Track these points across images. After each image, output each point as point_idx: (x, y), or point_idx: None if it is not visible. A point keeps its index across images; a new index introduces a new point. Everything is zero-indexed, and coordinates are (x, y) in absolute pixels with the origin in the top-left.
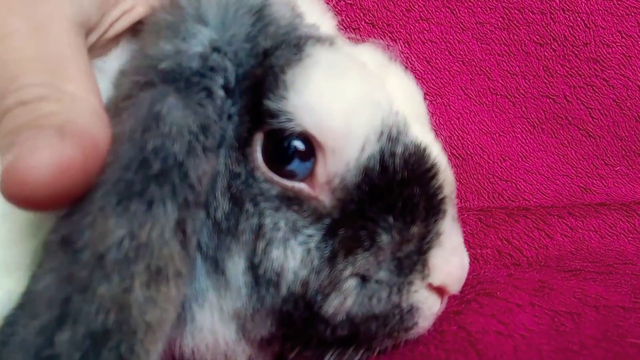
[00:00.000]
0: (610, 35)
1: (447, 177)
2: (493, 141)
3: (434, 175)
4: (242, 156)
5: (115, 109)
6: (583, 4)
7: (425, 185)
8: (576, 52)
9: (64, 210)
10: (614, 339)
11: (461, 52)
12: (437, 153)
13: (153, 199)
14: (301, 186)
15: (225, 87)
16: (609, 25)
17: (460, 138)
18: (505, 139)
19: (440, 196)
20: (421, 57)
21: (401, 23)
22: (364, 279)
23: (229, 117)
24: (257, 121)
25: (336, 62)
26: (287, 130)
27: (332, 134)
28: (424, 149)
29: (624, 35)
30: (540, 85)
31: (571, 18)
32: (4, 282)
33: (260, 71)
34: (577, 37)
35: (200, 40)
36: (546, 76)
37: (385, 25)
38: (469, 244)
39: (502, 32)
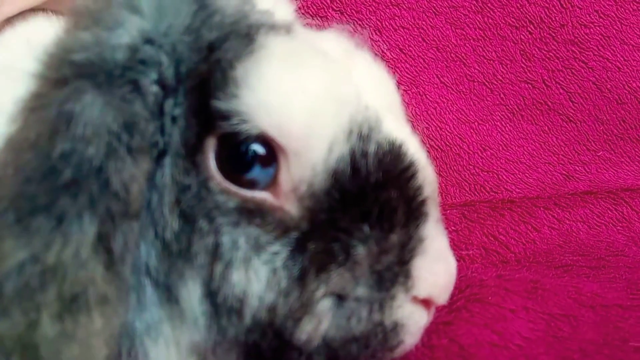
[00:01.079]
0: (587, 16)
1: (427, 176)
2: (472, 130)
3: (413, 175)
4: (192, 165)
5: (23, 112)
6: None
7: (404, 187)
8: (553, 35)
9: None
10: (616, 344)
11: (435, 38)
12: (414, 149)
13: (63, 213)
14: (263, 196)
15: (161, 84)
16: (586, 5)
17: (438, 129)
18: (485, 128)
19: (420, 198)
20: (393, 44)
21: (371, 9)
22: (340, 297)
23: (173, 119)
24: (206, 124)
25: (294, 52)
26: (242, 133)
27: (294, 135)
28: (400, 146)
29: (601, 15)
30: (518, 70)
31: None
32: None
33: (205, 67)
34: (553, 19)
35: (128, 29)
36: (523, 60)
37: (354, 12)
38: (453, 242)
39: (476, 15)
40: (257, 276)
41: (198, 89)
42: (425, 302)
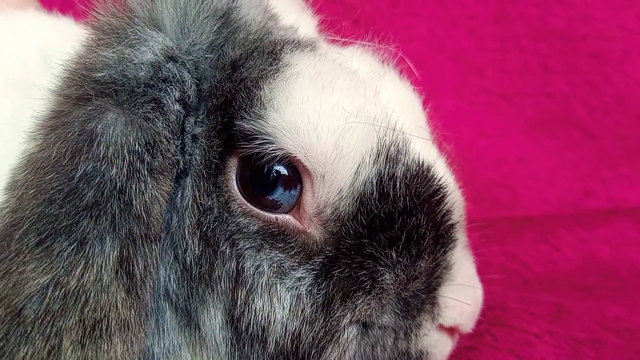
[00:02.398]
0: (608, 29)
1: (456, 200)
2: (489, 144)
3: (441, 199)
4: (214, 187)
5: (43, 130)
6: None
7: (432, 212)
8: (574, 47)
9: None
10: None
11: (452, 49)
12: (442, 171)
13: (86, 236)
14: (286, 219)
15: (183, 102)
16: (608, 18)
17: (453, 141)
18: (502, 142)
19: (449, 223)
20: (409, 55)
21: (387, 19)
22: (365, 325)
23: (194, 138)
24: (229, 145)
25: (321, 72)
26: (267, 154)
27: (321, 158)
28: (428, 168)
29: (622, 29)
30: (537, 83)
31: (568, 11)
32: None
33: (229, 86)
34: (574, 32)
35: (151, 47)
36: (543, 73)
37: (369, 22)
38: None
39: (495, 26)
40: (280, 303)
41: (221, 108)
42: (451, 330)
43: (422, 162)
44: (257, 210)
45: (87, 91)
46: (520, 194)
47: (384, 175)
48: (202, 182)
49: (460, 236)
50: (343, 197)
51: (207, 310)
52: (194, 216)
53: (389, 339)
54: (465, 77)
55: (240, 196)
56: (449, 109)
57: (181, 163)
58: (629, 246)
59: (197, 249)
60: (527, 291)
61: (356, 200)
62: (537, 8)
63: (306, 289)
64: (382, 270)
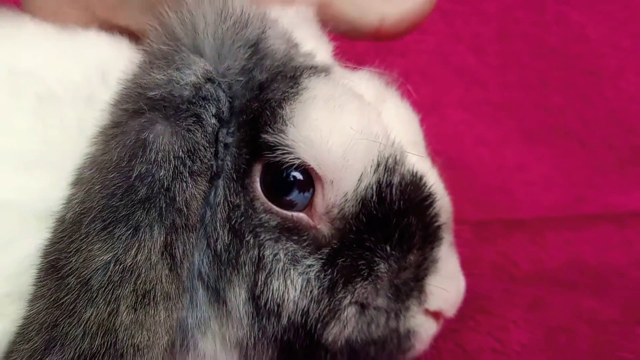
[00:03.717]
0: (603, 48)
1: (443, 205)
2: (489, 152)
3: (430, 204)
4: (241, 187)
5: (104, 136)
6: (576, 17)
7: (422, 214)
8: (571, 64)
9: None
10: (606, 354)
11: (457, 64)
12: (433, 180)
13: (139, 224)
14: (300, 216)
15: (218, 117)
16: (602, 37)
17: (456, 149)
18: (502, 150)
19: (436, 224)
20: (417, 68)
21: None
22: (362, 306)
23: (225, 146)
24: (255, 153)
25: (333, 96)
26: (286, 162)
27: (331, 167)
28: (420, 178)
29: (616, 48)
30: (536, 96)
31: (565, 31)
32: (9, 309)
33: (256, 105)
34: (571, 50)
35: (194, 70)
36: (541, 88)
37: None
38: (465, 258)
39: (497, 44)
40: (293, 285)
41: (249, 123)
42: (436, 315)
43: (416, 172)
44: (276, 208)
45: (142, 106)
46: (517, 198)
47: (382, 182)
48: (232, 184)
49: (447, 235)
50: (348, 200)
51: (233, 289)
52: (225, 211)
53: (382, 318)
54: (468, 90)
55: (262, 196)
56: (453, 118)
57: (214, 167)
58: (611, 248)
59: (226, 238)
60: (511, 285)
61: (359, 203)
62: (536, 28)
63: (314, 274)
64: (378, 260)
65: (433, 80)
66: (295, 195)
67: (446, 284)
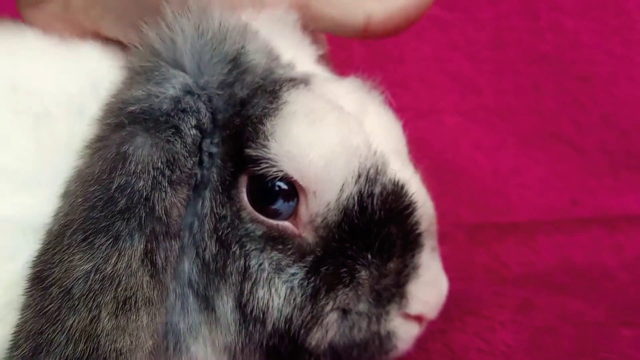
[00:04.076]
0: (596, 54)
1: (425, 212)
2: (485, 156)
3: (411, 212)
4: (227, 199)
5: (89, 150)
6: (570, 24)
7: (403, 223)
8: (564, 71)
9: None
10: (589, 354)
11: (453, 71)
12: (415, 189)
13: (119, 233)
14: (285, 225)
15: (199, 128)
16: (595, 44)
17: (453, 153)
18: (497, 154)
19: (417, 232)
20: (414, 75)
21: (394, 42)
22: (344, 311)
23: (210, 155)
24: (240, 166)
25: (313, 109)
26: (270, 175)
27: (313, 179)
28: (402, 187)
29: (609, 54)
30: (530, 102)
31: (559, 38)
32: (9, 317)
33: (238, 120)
34: (564, 56)
35: (173, 84)
36: (536, 93)
37: (377, 44)
38: (459, 260)
39: (492, 51)
40: (277, 293)
41: (233, 138)
42: (418, 318)
43: (397, 181)
44: (262, 218)
45: (123, 120)
46: (512, 201)
47: (364, 192)
48: (218, 195)
49: (429, 242)
50: (330, 209)
51: (221, 297)
52: (212, 222)
53: (364, 323)
54: (464, 96)
55: (249, 206)
56: (449, 123)
57: (198, 175)
58: (602, 251)
59: (214, 248)
60: (501, 287)
61: (341, 212)
62: (530, 35)
63: (298, 282)
64: (359, 268)
65: (430, 87)
66: (280, 205)
67: (426, 289)
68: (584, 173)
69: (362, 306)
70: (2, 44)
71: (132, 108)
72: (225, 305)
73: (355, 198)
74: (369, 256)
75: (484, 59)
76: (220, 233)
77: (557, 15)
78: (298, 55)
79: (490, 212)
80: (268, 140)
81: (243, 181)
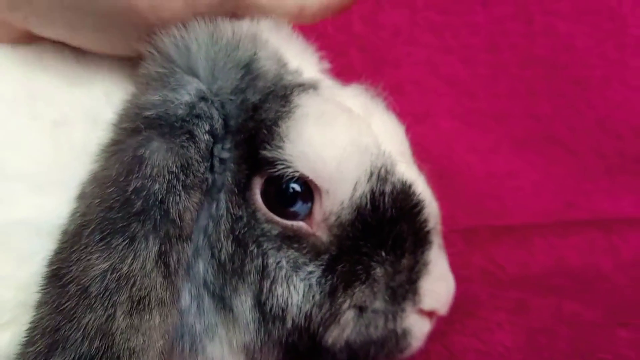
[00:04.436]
0: (590, 58)
1: (432, 211)
2: (480, 160)
3: (420, 211)
4: (243, 200)
5: (105, 154)
6: (564, 28)
7: (412, 221)
8: (558, 74)
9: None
10: (584, 355)
11: (447, 75)
12: (422, 188)
13: (135, 235)
14: (300, 224)
15: (212, 133)
16: (589, 48)
17: (448, 157)
18: (492, 158)
19: (426, 229)
20: (409, 79)
21: (389, 47)
22: (361, 309)
23: (221, 161)
24: (254, 168)
25: (324, 111)
26: (285, 176)
27: (327, 178)
28: (410, 186)
29: (603, 58)
30: (525, 105)
31: (553, 42)
32: (25, 317)
33: (252, 124)
34: (558, 60)
35: (188, 90)
36: (530, 97)
37: (374, 50)
38: (455, 263)
39: (487, 55)
40: (296, 290)
41: (247, 141)
42: (429, 313)
43: (406, 181)
44: (277, 218)
45: (139, 125)
46: (507, 204)
47: (375, 191)
48: (234, 197)
49: (436, 239)
50: (344, 208)
51: (239, 296)
52: (228, 223)
53: (380, 320)
54: (459, 100)
55: (264, 207)
56: (444, 127)
57: (209, 180)
58: (597, 253)
59: (230, 248)
60: (498, 289)
61: (354, 211)
62: (525, 39)
63: (316, 280)
64: (374, 265)
65: (425, 91)
66: (297, 206)
67: (438, 285)
68: (578, 176)
69: (379, 304)
70: (18, 56)
71: (148, 113)
72: (244, 304)
73: (368, 197)
74: (383, 253)
75: (479, 63)
76: (237, 233)
77: (551, 19)
78: (304, 63)
79: (485, 215)
80: (283, 142)
81: (257, 183)
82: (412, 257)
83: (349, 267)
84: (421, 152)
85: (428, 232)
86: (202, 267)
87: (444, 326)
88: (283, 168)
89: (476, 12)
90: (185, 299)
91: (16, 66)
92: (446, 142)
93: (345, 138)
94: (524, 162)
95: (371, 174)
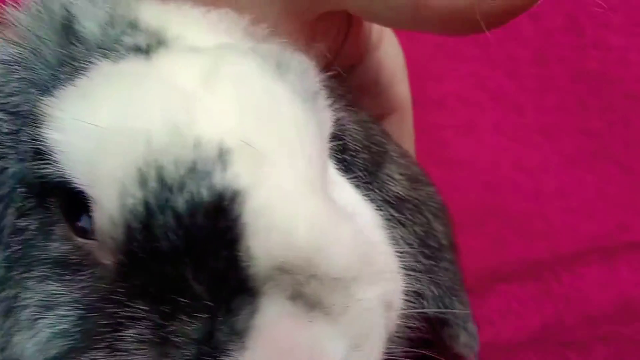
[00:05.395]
0: None
1: (270, 241)
2: (527, 177)
3: (234, 240)
4: (40, 207)
5: None
6: (616, 41)
7: (214, 257)
8: (610, 88)
9: None
10: None
11: (492, 88)
12: (263, 201)
13: None
14: (88, 247)
15: None
16: None
17: (492, 174)
18: (539, 175)
19: (248, 272)
20: (453, 92)
21: (431, 59)
22: None
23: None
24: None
25: (105, 80)
26: (49, 176)
27: (80, 177)
28: (231, 198)
29: None
30: (575, 120)
31: (605, 55)
32: None
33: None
34: (611, 73)
35: None
36: (580, 111)
37: (415, 61)
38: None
39: (534, 67)
40: (35, 339)
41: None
42: None
43: (227, 188)
44: (72, 235)
45: None
46: (555, 225)
47: (152, 204)
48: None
49: (279, 289)
50: (116, 226)
51: None
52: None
53: None
54: (505, 115)
55: (61, 218)
56: (489, 142)
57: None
58: None
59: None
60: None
61: (124, 232)
62: (575, 51)
63: (61, 329)
64: (127, 323)
65: (469, 104)
66: (84, 221)
67: None
68: (632, 194)
69: None
70: None
71: None
72: None
73: (140, 212)
74: (145, 306)
75: (526, 76)
76: (13, 249)
77: (603, 31)
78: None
79: (532, 236)
80: (42, 127)
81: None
82: (208, 320)
83: (100, 320)
84: (465, 169)
85: (248, 277)
86: None
87: None
88: (45, 163)
89: (523, 23)
90: None
91: None
92: (491, 158)
93: (110, 116)
94: (574, 180)
95: (146, 177)
